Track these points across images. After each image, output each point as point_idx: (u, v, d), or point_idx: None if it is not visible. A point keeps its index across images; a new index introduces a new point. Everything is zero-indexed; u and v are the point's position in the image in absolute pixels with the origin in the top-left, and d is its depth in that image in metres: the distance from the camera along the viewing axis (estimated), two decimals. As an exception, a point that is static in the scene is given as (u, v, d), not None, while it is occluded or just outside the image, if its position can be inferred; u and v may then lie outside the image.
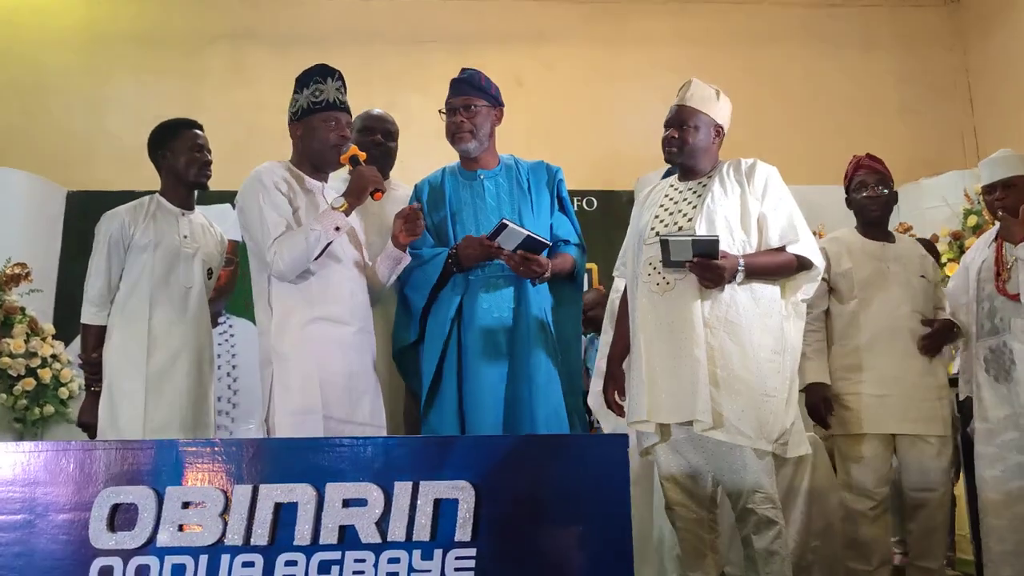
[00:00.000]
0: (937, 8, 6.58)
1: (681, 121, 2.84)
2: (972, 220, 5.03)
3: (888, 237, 3.60)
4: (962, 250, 4.22)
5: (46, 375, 4.71)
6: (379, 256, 3.02)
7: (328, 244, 2.74)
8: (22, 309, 4.79)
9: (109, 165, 5.59)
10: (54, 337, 4.87)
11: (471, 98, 3.08)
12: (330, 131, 2.87)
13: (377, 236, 3.18)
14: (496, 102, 3.14)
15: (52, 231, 5.43)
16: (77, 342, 4.61)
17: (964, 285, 3.58)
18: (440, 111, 3.14)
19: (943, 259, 4.87)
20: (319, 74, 2.88)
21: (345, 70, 2.94)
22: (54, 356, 4.80)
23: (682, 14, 6.39)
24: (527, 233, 2.87)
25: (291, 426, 2.62)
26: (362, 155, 2.86)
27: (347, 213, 2.78)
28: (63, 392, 4.78)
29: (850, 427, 3.39)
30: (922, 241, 4.13)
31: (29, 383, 4.67)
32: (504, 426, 2.89)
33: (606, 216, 5.73)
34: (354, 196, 2.79)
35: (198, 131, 3.27)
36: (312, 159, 2.92)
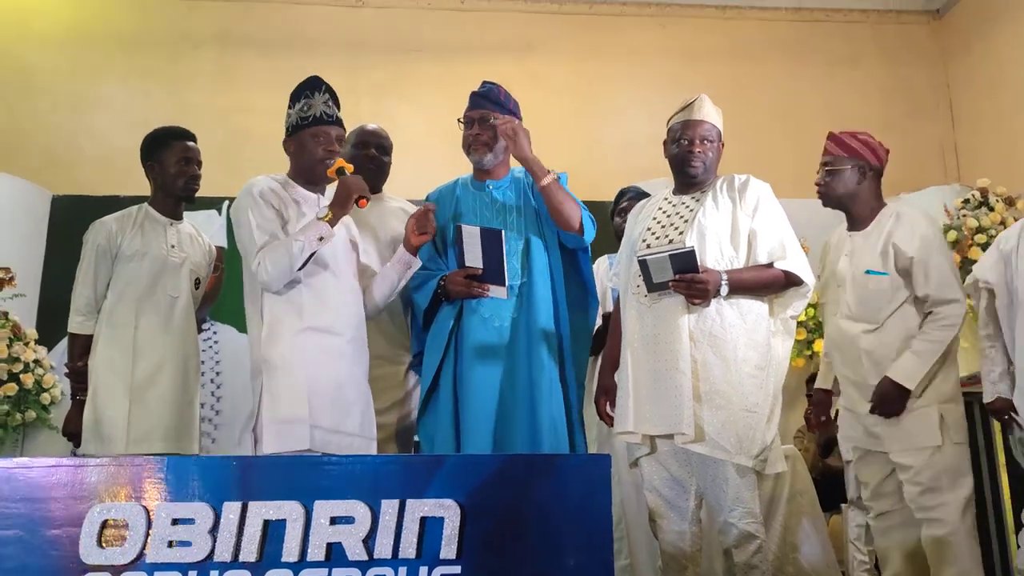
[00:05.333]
0: (920, 25, 6.65)
1: (703, 136, 2.86)
2: (952, 235, 5.09)
3: (860, 224, 3.19)
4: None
5: (28, 380, 4.68)
6: (387, 264, 3.05)
7: (312, 254, 2.75)
8: (5, 314, 4.75)
9: (95, 168, 5.56)
10: (37, 342, 4.84)
11: (488, 111, 3.12)
12: (318, 146, 2.87)
13: (371, 246, 3.22)
14: (513, 116, 3.16)
15: (36, 235, 5.39)
16: (60, 347, 4.62)
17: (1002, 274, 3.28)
18: (459, 120, 3.18)
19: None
20: (308, 87, 2.90)
21: (332, 77, 2.96)
22: (37, 361, 4.76)
23: (667, 27, 6.44)
24: (479, 229, 2.96)
25: (276, 435, 2.63)
26: (349, 167, 2.86)
27: (332, 223, 2.78)
28: (45, 398, 4.75)
29: None
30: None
31: (11, 388, 4.64)
32: (497, 439, 2.91)
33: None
34: (339, 206, 2.79)
35: (190, 143, 3.27)
36: (304, 174, 2.93)
